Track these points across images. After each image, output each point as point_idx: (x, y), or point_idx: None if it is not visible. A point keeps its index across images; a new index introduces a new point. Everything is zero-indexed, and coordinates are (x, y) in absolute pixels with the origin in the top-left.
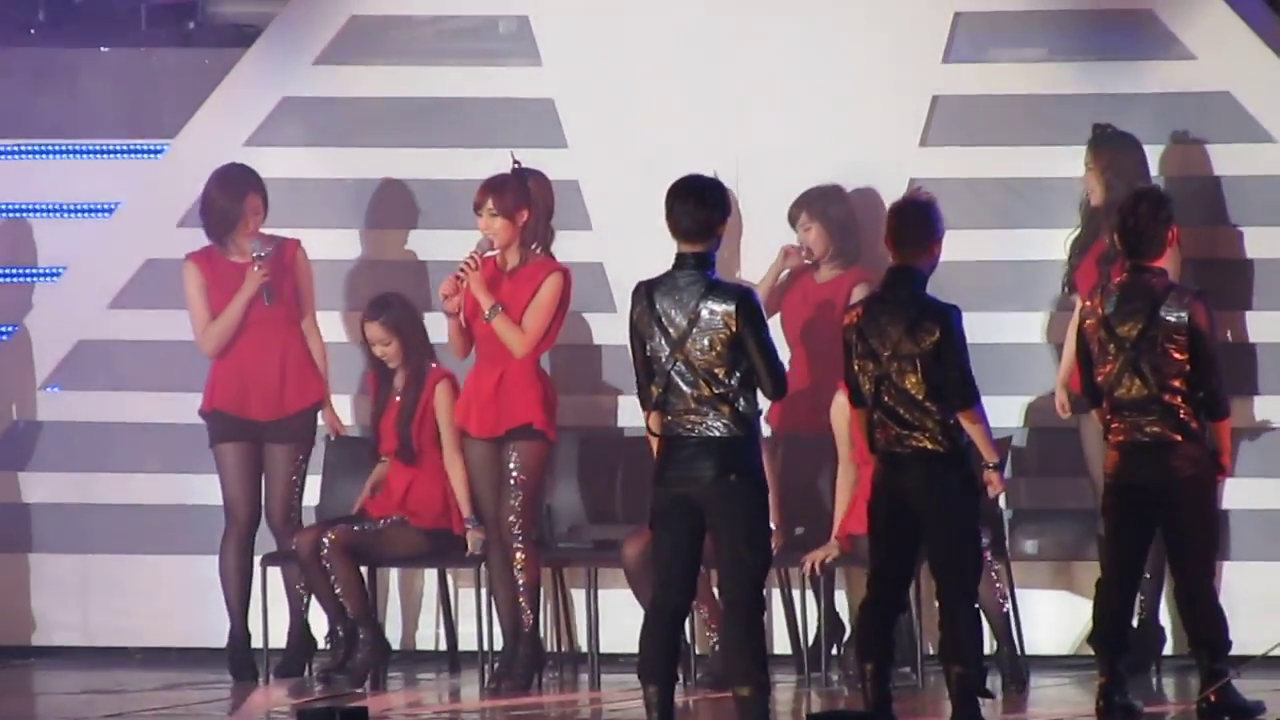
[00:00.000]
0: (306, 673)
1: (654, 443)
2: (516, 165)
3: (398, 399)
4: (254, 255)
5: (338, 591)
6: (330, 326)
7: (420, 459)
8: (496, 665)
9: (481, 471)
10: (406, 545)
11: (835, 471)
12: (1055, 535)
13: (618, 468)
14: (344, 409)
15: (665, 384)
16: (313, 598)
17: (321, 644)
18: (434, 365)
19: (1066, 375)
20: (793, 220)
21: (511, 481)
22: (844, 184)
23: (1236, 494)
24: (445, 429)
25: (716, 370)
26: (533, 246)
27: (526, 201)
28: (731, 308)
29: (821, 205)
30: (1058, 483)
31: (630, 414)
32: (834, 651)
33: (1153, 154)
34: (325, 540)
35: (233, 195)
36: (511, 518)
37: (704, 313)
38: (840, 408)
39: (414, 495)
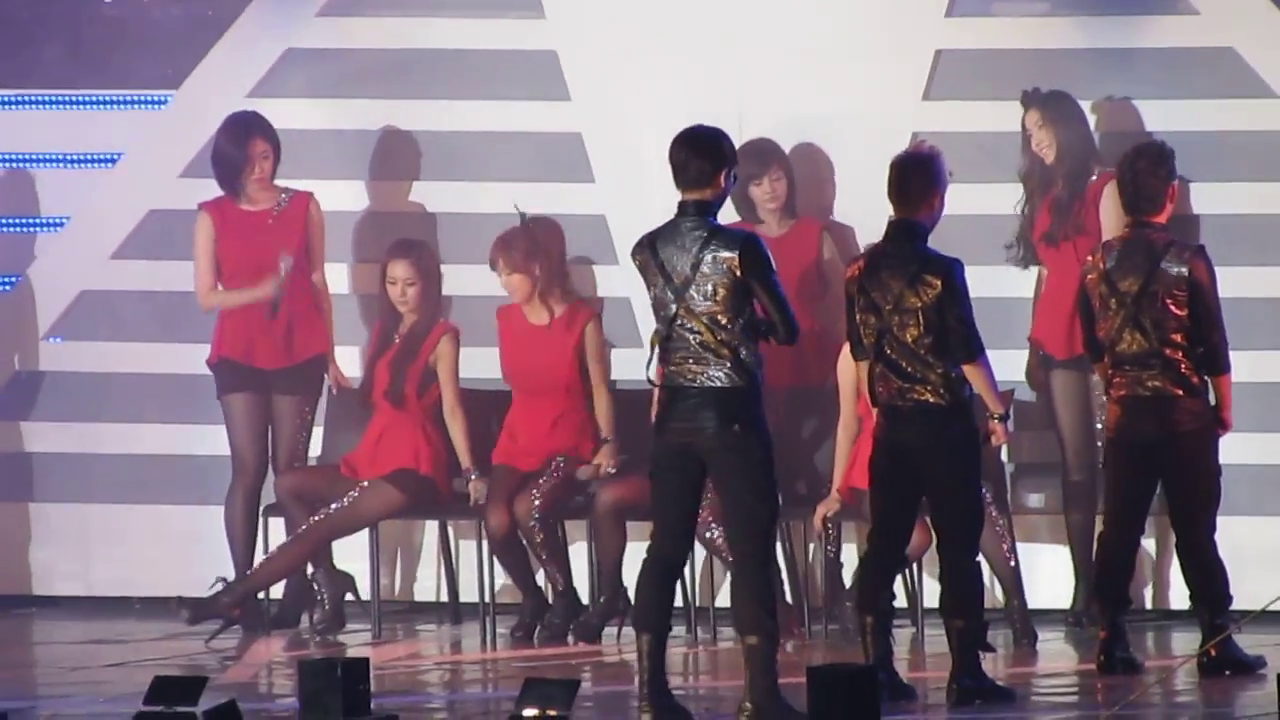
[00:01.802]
0: (308, 623)
1: (655, 393)
2: (522, 216)
3: (397, 340)
4: (280, 274)
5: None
6: (334, 278)
7: (405, 404)
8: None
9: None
10: (383, 507)
11: (829, 425)
12: (1057, 489)
13: (621, 419)
14: (348, 362)
15: (668, 332)
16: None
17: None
18: (442, 319)
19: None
20: (759, 174)
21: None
22: (847, 137)
23: (1235, 448)
24: (447, 381)
25: (720, 317)
26: (557, 292)
27: (537, 253)
28: (735, 254)
29: (785, 159)
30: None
31: (629, 368)
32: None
33: (1155, 109)
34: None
35: (238, 141)
36: (534, 518)
37: (707, 258)
38: (846, 359)
39: (386, 439)
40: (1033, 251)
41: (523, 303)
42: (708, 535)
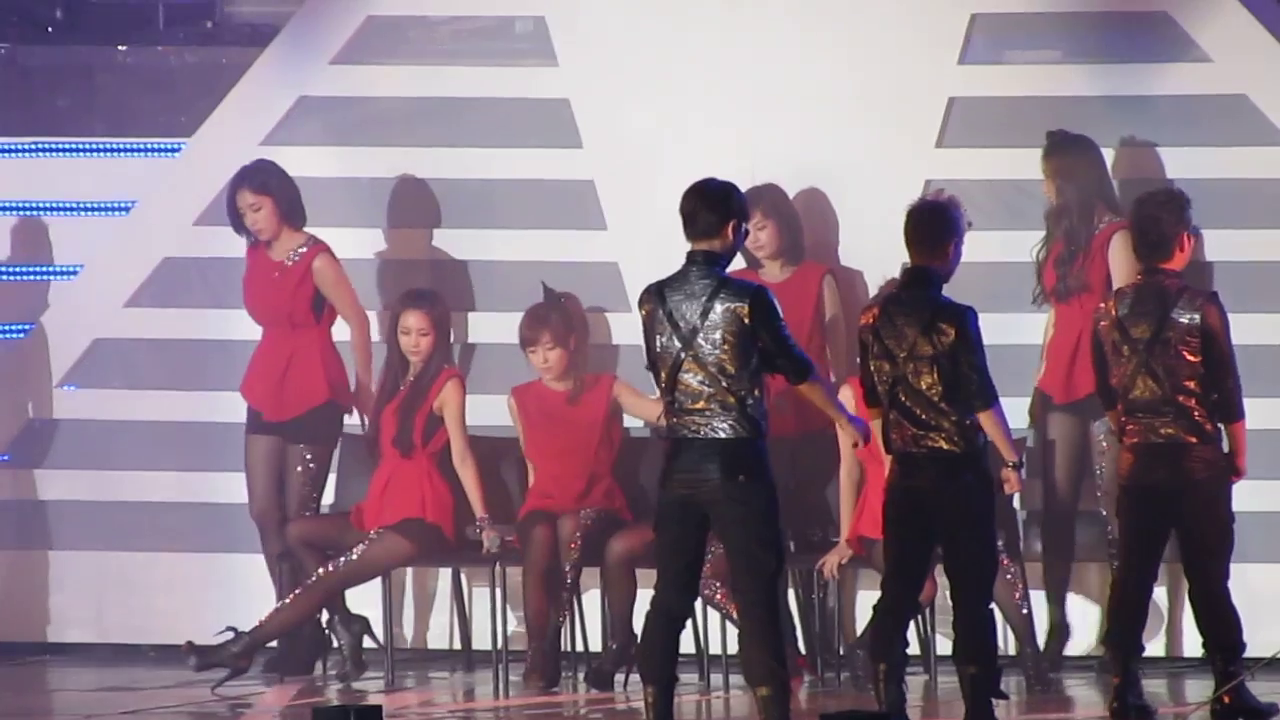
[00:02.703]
0: (321, 669)
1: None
2: (550, 293)
3: (403, 389)
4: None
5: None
6: (344, 325)
7: (411, 452)
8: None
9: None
10: (391, 557)
11: (834, 471)
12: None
13: (635, 467)
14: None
15: (673, 382)
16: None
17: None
18: (447, 366)
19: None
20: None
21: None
22: (860, 185)
23: (1249, 496)
24: (454, 428)
25: (727, 366)
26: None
27: (572, 327)
28: (745, 304)
29: (773, 202)
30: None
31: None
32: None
33: (1168, 156)
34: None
35: (229, 193)
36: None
37: (716, 308)
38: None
39: (391, 488)
40: (1044, 295)
41: (555, 379)
42: (706, 592)
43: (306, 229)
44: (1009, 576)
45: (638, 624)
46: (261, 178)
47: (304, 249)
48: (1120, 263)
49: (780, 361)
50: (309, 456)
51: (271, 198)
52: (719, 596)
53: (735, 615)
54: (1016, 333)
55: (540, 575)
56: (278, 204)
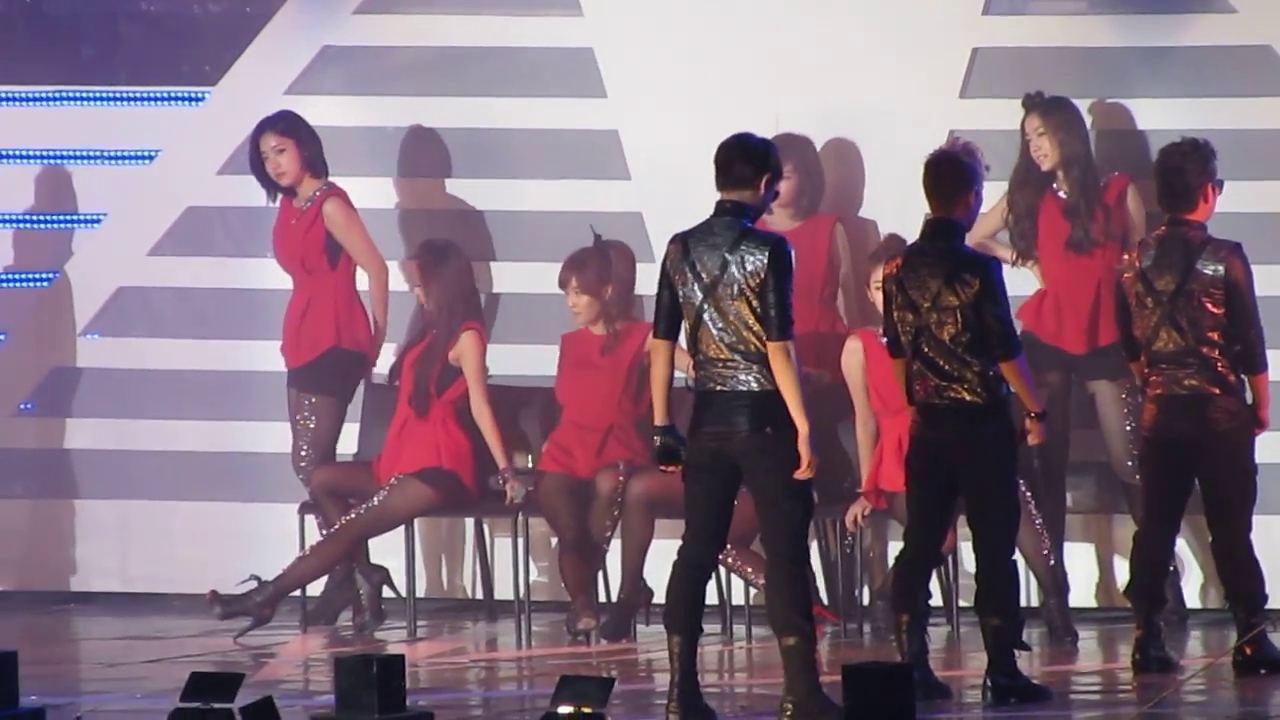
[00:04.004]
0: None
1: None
2: (597, 238)
3: (426, 339)
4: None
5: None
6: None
7: (427, 402)
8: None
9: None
10: (412, 505)
11: (842, 421)
12: (1086, 488)
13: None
14: (386, 359)
15: (696, 332)
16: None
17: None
18: (467, 319)
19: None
20: None
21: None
22: (883, 135)
23: (1272, 447)
24: (473, 379)
25: (748, 318)
26: (617, 320)
27: (609, 277)
28: (765, 254)
29: (803, 155)
30: (1089, 435)
31: None
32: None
33: (1191, 107)
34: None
35: (253, 137)
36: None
37: (737, 259)
38: (851, 354)
39: (406, 434)
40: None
41: (587, 324)
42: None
43: (335, 178)
44: (1035, 527)
45: (655, 577)
46: (286, 123)
47: (317, 193)
48: (1141, 214)
49: (772, 312)
50: (313, 400)
51: (295, 141)
52: (730, 559)
53: (750, 576)
54: (1036, 283)
55: (575, 548)
56: (301, 148)
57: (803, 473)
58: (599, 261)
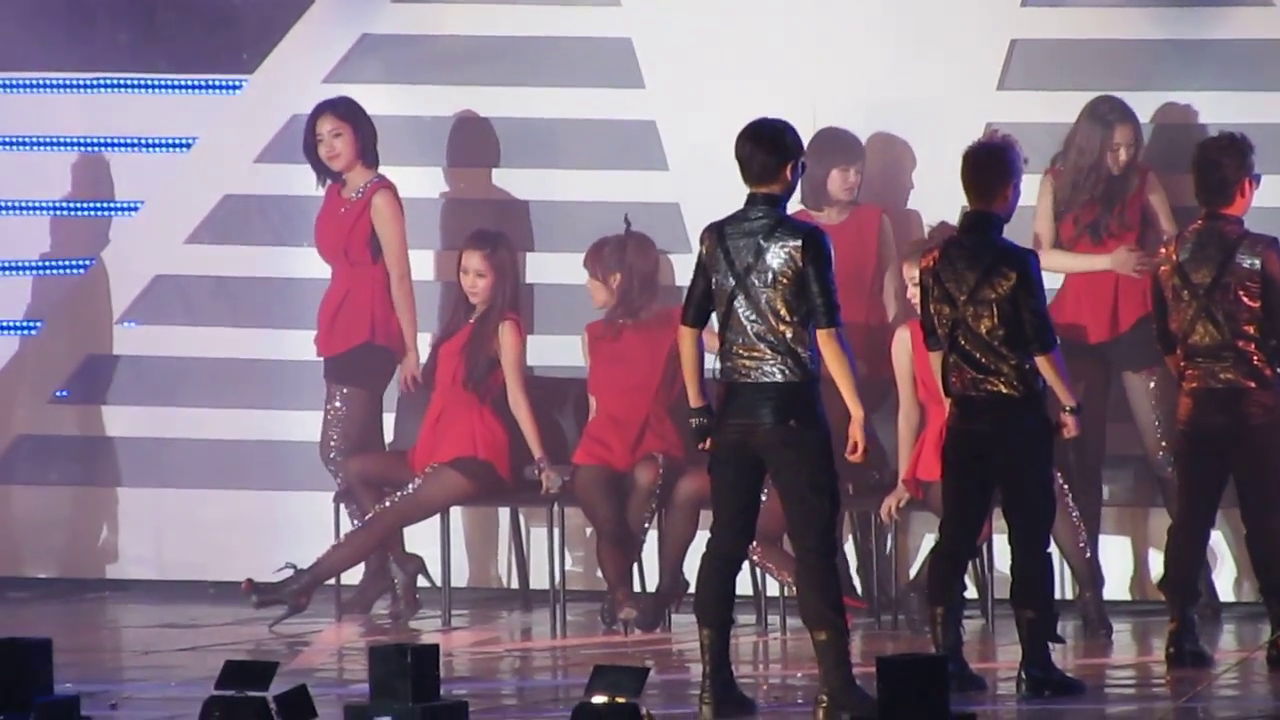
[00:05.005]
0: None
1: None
2: (627, 226)
3: (468, 326)
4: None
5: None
6: (414, 265)
7: (472, 389)
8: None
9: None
10: (446, 494)
11: (888, 414)
12: (1122, 481)
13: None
14: (426, 349)
15: (727, 320)
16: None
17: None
18: (508, 310)
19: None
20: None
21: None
22: (920, 127)
23: None
24: (511, 370)
25: (779, 308)
26: (636, 305)
27: (620, 265)
28: (799, 243)
29: (849, 146)
30: (1123, 429)
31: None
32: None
33: (1229, 100)
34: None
35: (310, 121)
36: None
37: (771, 247)
38: (901, 344)
39: (442, 424)
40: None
41: (603, 310)
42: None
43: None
44: (1073, 519)
45: (685, 567)
46: (345, 107)
47: (369, 184)
48: (1164, 202)
49: (818, 301)
50: (345, 391)
51: (352, 126)
52: (756, 555)
53: (775, 574)
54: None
55: (613, 540)
56: (357, 135)
57: (857, 457)
58: (614, 250)
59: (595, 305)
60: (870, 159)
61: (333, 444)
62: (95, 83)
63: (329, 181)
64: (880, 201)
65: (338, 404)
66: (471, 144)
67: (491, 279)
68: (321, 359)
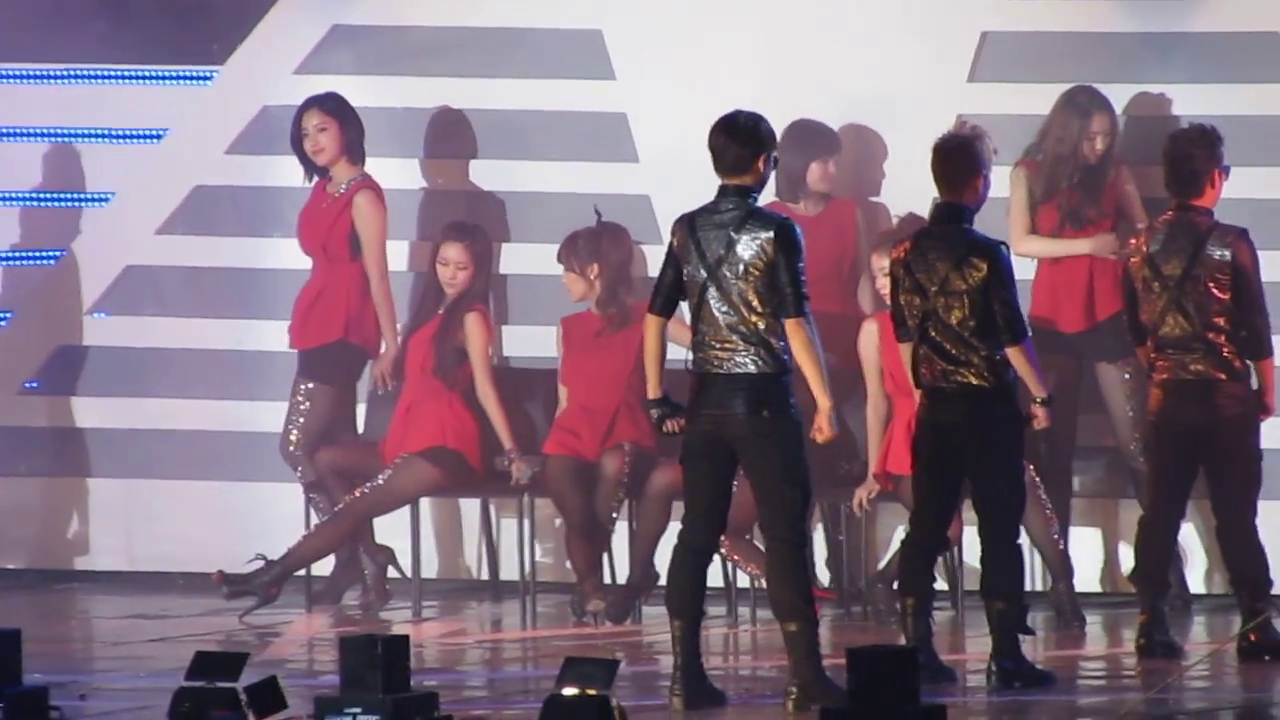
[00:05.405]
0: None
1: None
2: (598, 217)
3: (439, 315)
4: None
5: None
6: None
7: (444, 378)
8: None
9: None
10: (417, 484)
11: (857, 406)
12: (1093, 472)
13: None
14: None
15: (699, 312)
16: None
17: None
18: (478, 302)
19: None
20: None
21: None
22: (891, 119)
23: (1276, 433)
24: (478, 361)
25: (751, 299)
26: (621, 296)
27: (596, 257)
28: (770, 234)
29: (825, 140)
30: (1094, 420)
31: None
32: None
33: (1199, 92)
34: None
35: (297, 115)
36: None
37: (743, 239)
38: (868, 336)
39: (413, 414)
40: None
41: (581, 302)
42: None
43: None
44: (1046, 511)
45: (656, 560)
46: (333, 103)
47: (352, 181)
48: (1135, 193)
49: (787, 291)
50: (310, 387)
51: (338, 122)
52: (724, 548)
53: (743, 566)
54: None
55: (582, 531)
56: (343, 130)
57: (822, 438)
58: (589, 242)
59: (573, 299)
60: (846, 152)
61: (292, 438)
62: (66, 74)
63: (316, 176)
64: (851, 194)
65: (300, 398)
66: (447, 135)
67: (471, 270)
68: (293, 351)
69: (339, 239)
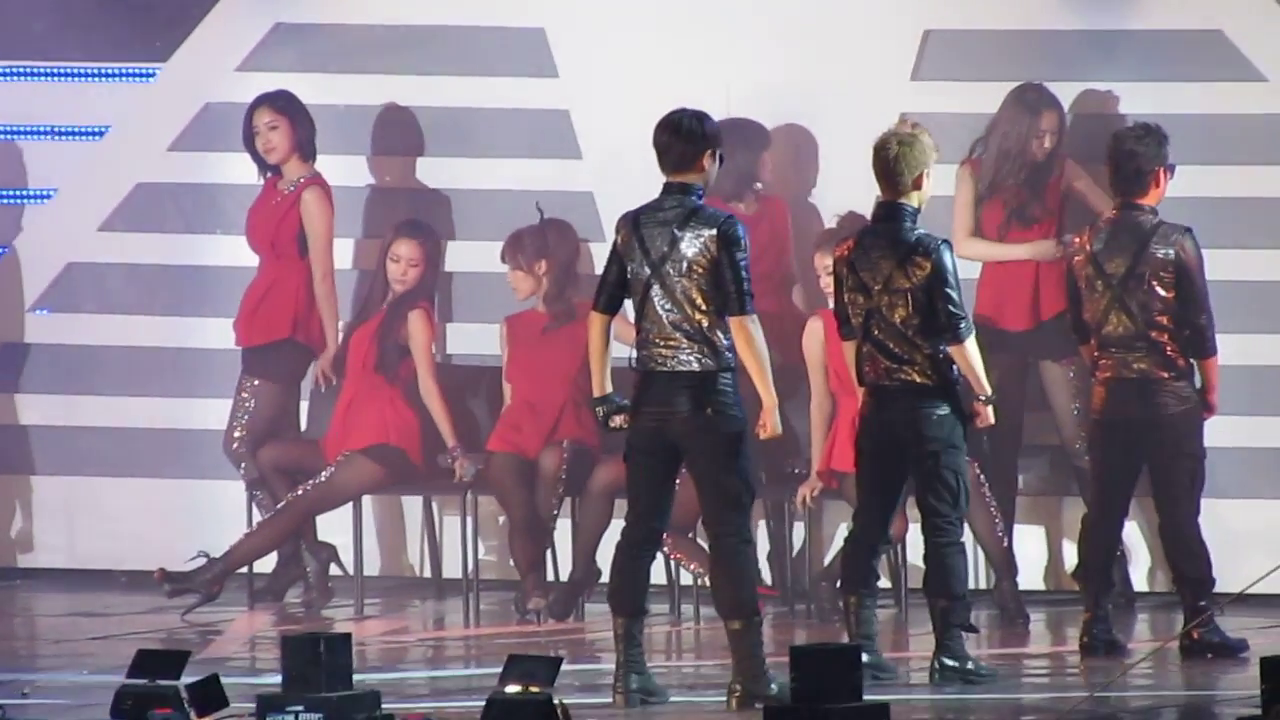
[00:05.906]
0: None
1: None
2: (540, 214)
3: (378, 314)
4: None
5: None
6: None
7: (386, 373)
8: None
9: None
10: (359, 481)
11: (801, 403)
12: (1037, 470)
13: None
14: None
15: (643, 309)
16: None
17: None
18: (422, 299)
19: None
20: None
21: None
22: (834, 116)
23: (1223, 432)
24: (420, 358)
25: (695, 297)
26: (567, 293)
27: (543, 253)
28: (713, 232)
29: (759, 137)
30: (1039, 418)
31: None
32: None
33: (1143, 91)
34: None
35: (248, 113)
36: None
37: (686, 236)
38: (812, 334)
39: (354, 410)
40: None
41: (526, 300)
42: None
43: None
44: (991, 510)
45: (598, 557)
46: (284, 101)
47: (302, 179)
48: (1091, 185)
49: (731, 289)
50: (256, 384)
51: (289, 119)
52: (666, 547)
53: (685, 565)
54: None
55: (525, 527)
56: (294, 128)
57: (770, 434)
58: (535, 239)
59: (519, 297)
60: (778, 149)
61: (236, 435)
62: (8, 71)
63: (268, 174)
64: (788, 192)
65: (245, 396)
66: (392, 132)
67: (422, 268)
68: (238, 348)
69: (288, 236)
